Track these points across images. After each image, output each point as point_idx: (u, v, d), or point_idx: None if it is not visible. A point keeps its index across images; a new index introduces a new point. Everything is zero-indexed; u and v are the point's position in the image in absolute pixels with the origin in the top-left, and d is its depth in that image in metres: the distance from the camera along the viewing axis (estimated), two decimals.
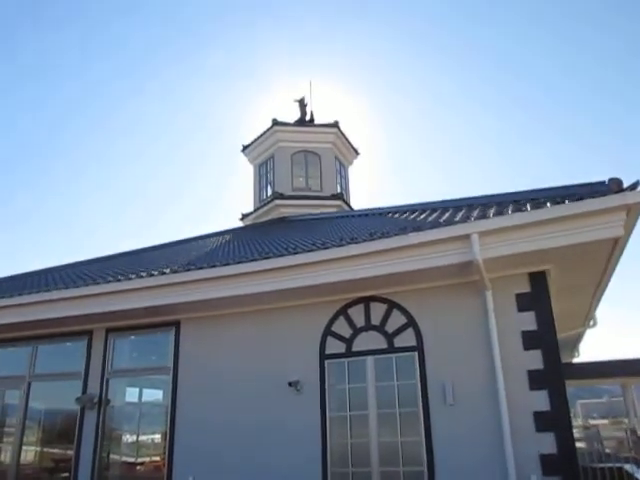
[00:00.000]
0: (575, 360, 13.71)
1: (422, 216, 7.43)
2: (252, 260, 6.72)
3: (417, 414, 6.18)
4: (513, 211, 5.70)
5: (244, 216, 13.94)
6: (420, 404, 6.19)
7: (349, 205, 13.50)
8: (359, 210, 11.55)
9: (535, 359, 5.82)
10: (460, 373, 6.10)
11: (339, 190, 13.55)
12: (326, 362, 6.79)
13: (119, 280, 7.38)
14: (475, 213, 6.28)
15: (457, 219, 6.14)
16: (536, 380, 5.76)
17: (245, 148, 14.55)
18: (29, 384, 8.69)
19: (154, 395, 8.26)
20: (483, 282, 5.93)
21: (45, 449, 8.65)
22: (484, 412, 5.85)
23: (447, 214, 6.87)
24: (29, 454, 8.66)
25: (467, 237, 5.68)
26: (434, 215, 7.13)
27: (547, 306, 5.96)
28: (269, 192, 13.62)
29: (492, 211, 6.09)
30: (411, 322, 6.53)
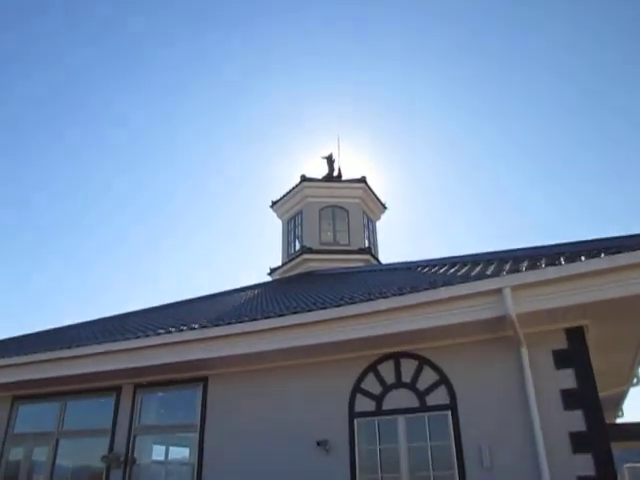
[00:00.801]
0: (619, 420, 13.00)
1: (452, 270, 7.33)
2: (280, 315, 6.68)
3: (453, 478, 5.88)
4: (546, 265, 5.57)
5: (272, 270, 14.00)
6: (455, 467, 5.89)
7: (377, 259, 13.47)
8: (387, 264, 11.48)
9: (577, 420, 5.53)
10: (497, 434, 5.82)
11: (367, 244, 13.57)
12: (356, 421, 6.57)
13: (148, 336, 7.40)
14: (507, 267, 6.17)
15: (488, 273, 6.04)
16: (579, 442, 5.44)
17: (274, 204, 14.78)
18: (57, 441, 8.58)
19: (181, 453, 8.07)
20: (517, 338, 5.75)
21: None
22: (524, 477, 5.53)
23: (478, 268, 6.76)
24: None
25: (499, 292, 5.56)
26: (464, 269, 7.03)
27: (586, 363, 5.71)
28: (297, 246, 13.72)
29: (525, 265, 5.97)
30: (443, 379, 6.32)
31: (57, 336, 10.21)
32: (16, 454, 9.01)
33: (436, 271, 7.87)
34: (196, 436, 7.42)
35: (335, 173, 14.87)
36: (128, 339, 7.51)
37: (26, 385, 8.75)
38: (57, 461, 8.50)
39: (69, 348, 7.93)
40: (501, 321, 5.68)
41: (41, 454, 8.76)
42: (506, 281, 5.56)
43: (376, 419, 6.49)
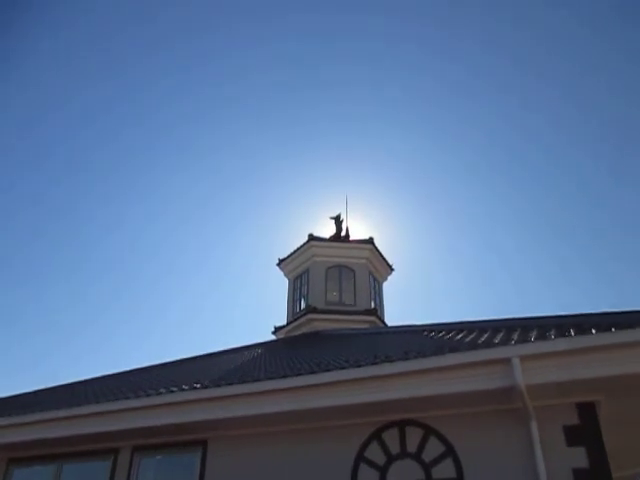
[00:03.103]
0: None
1: (459, 336, 7.23)
2: (283, 377, 6.54)
3: None
4: (556, 335, 5.48)
5: (277, 329, 13.88)
6: None
7: (383, 321, 13.35)
8: (393, 327, 11.38)
9: None
10: None
11: (373, 305, 13.49)
12: None
13: (149, 395, 7.24)
14: (515, 336, 6.07)
15: (497, 341, 5.94)
16: None
17: (281, 262, 14.83)
18: None
19: None
20: (527, 411, 5.57)
21: None
22: None
23: (485, 335, 6.66)
24: None
25: (508, 361, 5.43)
26: (472, 336, 6.93)
27: (598, 441, 5.49)
28: (303, 305, 13.65)
29: (533, 334, 5.88)
30: (450, 451, 6.09)
31: (52, 395, 10.02)
32: None
33: (443, 336, 7.77)
34: None
35: (343, 233, 15.00)
36: (128, 398, 7.35)
37: (21, 447, 8.50)
38: None
39: (68, 408, 7.74)
40: (510, 392, 5.53)
41: None
42: (515, 351, 5.45)
43: None
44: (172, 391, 7.12)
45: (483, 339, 6.33)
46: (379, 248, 14.35)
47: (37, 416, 7.92)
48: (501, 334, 6.50)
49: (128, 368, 12.33)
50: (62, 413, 7.70)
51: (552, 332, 5.74)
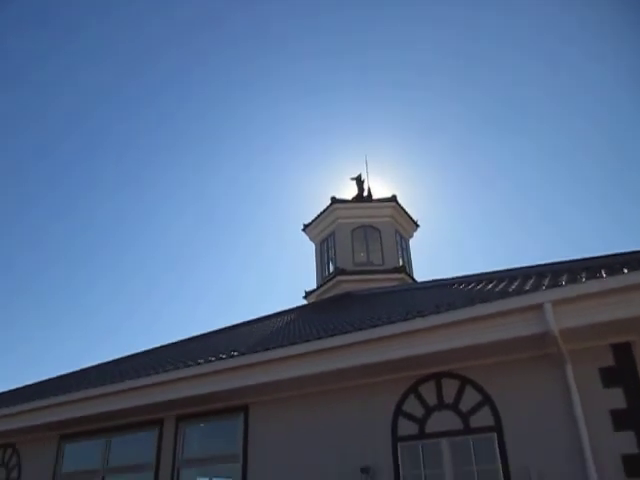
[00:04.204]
0: None
1: (489, 286, 7.21)
2: (318, 338, 6.64)
3: None
4: (587, 278, 5.42)
5: (307, 294, 14.02)
6: None
7: (412, 277, 13.35)
8: (423, 282, 11.37)
9: (629, 442, 5.25)
10: (545, 457, 5.60)
11: (401, 263, 13.47)
12: (399, 445, 6.44)
13: (189, 366, 7.45)
14: (546, 281, 6.03)
15: (527, 288, 5.90)
16: (633, 466, 5.18)
17: (306, 227, 14.87)
18: (103, 478, 8.65)
19: None
20: (561, 355, 5.57)
21: None
22: None
23: (516, 283, 6.63)
24: None
25: (540, 307, 5.41)
26: (502, 285, 6.90)
27: (636, 381, 5.44)
28: (331, 268, 13.72)
29: (564, 278, 5.82)
30: (487, 400, 6.15)
31: (98, 373, 10.39)
32: None
33: (473, 288, 7.75)
34: (239, 466, 7.38)
35: (365, 193, 14.91)
36: (167, 371, 7.58)
37: (71, 424, 8.90)
38: None
39: (112, 383, 8.04)
40: (543, 338, 5.52)
41: None
42: (546, 296, 5.41)
43: (420, 443, 6.34)
44: (210, 360, 7.31)
45: (514, 287, 6.30)
46: (402, 205, 14.26)
47: (85, 393, 8.26)
48: (531, 281, 6.46)
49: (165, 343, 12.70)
50: (109, 388, 8.01)
51: (583, 275, 5.68)
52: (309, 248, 15.04)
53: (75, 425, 8.95)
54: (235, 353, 7.21)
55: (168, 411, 8.18)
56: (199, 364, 7.36)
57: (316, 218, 14.51)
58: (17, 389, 11.87)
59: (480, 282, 8.03)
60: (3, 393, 11.64)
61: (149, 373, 7.79)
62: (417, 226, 14.99)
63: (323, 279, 13.82)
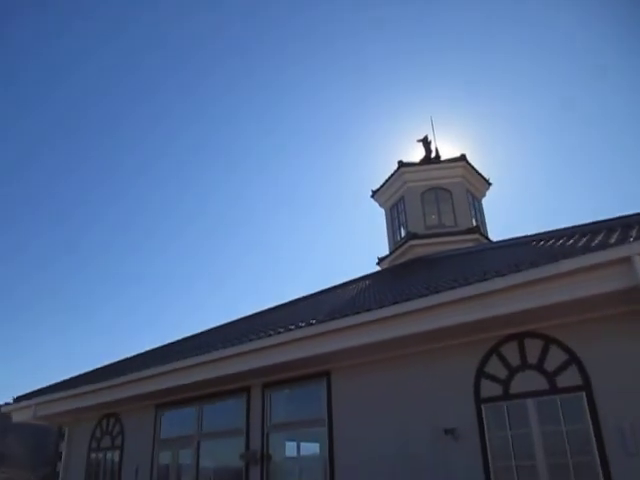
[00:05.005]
0: None
1: (571, 241, 6.89)
2: (394, 303, 6.64)
3: (593, 465, 5.54)
4: None
5: (380, 260, 13.99)
6: (595, 453, 5.54)
7: (487, 238, 12.99)
8: (500, 241, 11.03)
9: None
10: (639, 417, 5.40)
11: (474, 223, 13.13)
12: (483, 406, 6.41)
13: (270, 335, 7.69)
14: (634, 233, 5.68)
15: (613, 241, 5.60)
16: None
17: (374, 193, 14.76)
18: (198, 443, 9.21)
19: (312, 449, 8.32)
20: None
21: None
22: None
23: (600, 237, 6.30)
24: None
25: (627, 260, 5.12)
26: (585, 239, 6.58)
27: None
28: (403, 233, 13.59)
29: None
30: (573, 358, 5.97)
31: (189, 345, 10.93)
32: (164, 458, 9.80)
33: (553, 244, 7.44)
34: (325, 430, 7.61)
35: (433, 155, 14.54)
36: (252, 340, 7.87)
37: (167, 393, 9.48)
38: (200, 462, 9.11)
39: (202, 354, 8.43)
40: (632, 292, 5.24)
41: (186, 456, 9.45)
42: (635, 249, 5.11)
43: (504, 404, 6.27)
44: (291, 329, 7.50)
45: (597, 241, 5.99)
46: (472, 164, 13.81)
47: (179, 364, 8.73)
48: (617, 234, 6.11)
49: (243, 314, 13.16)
50: (200, 359, 8.42)
51: None
52: (379, 214, 14.95)
53: (170, 394, 9.54)
54: (314, 321, 7.36)
55: (254, 379, 8.54)
56: (280, 333, 7.58)
57: (384, 183, 14.35)
58: (117, 362, 12.71)
59: (562, 238, 7.69)
60: (104, 367, 12.51)
61: (234, 343, 8.11)
62: (489, 184, 14.50)
63: (395, 244, 13.72)
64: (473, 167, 13.79)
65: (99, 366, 12.84)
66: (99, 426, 11.32)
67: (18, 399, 11.77)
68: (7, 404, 11.92)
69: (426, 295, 6.35)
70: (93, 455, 11.27)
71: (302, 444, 8.42)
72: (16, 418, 12.04)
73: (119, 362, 12.59)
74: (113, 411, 10.97)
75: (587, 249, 5.56)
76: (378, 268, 14.02)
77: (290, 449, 8.51)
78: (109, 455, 10.84)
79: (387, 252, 13.95)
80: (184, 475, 9.44)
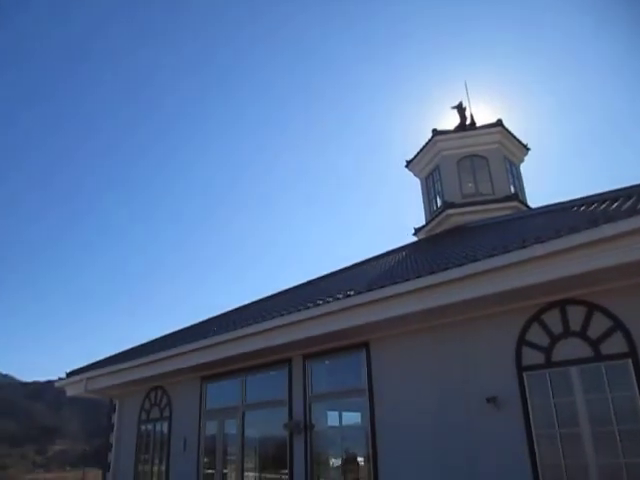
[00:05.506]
0: None
1: (614, 205, 6.68)
2: (431, 273, 6.59)
3: (639, 433, 5.46)
4: None
5: (417, 230, 13.87)
6: None
7: (526, 205, 12.68)
8: (539, 208, 10.76)
9: None
10: None
11: (512, 190, 12.83)
12: (524, 374, 6.36)
13: (308, 308, 7.77)
14: None
15: None
16: None
17: (409, 163, 14.56)
18: (243, 413, 9.50)
19: (354, 418, 8.46)
20: None
21: (263, 474, 9.32)
22: None
23: None
24: None
25: None
26: (628, 203, 6.36)
27: None
28: (439, 203, 13.41)
29: None
30: (618, 325, 5.84)
31: (230, 318, 11.17)
32: (210, 428, 10.16)
33: (595, 208, 7.23)
34: (366, 400, 7.70)
35: (468, 122, 14.19)
36: (291, 313, 7.97)
37: (211, 366, 9.76)
38: (245, 431, 9.41)
39: (244, 327, 8.60)
40: None
41: (231, 426, 9.77)
42: None
43: (547, 372, 6.21)
44: (328, 301, 7.56)
45: None
46: (509, 129, 13.43)
47: (222, 337, 8.96)
48: None
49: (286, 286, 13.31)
50: (242, 332, 8.61)
51: None
52: (415, 184, 14.76)
53: (214, 367, 9.82)
54: (352, 292, 7.39)
55: (295, 350, 8.69)
56: (319, 305, 7.65)
57: (418, 153, 14.13)
58: (162, 337, 13.11)
59: (603, 202, 7.46)
60: (150, 342, 12.93)
61: (275, 316, 8.24)
62: (527, 150, 14.09)
63: (431, 214, 13.56)
64: (510, 132, 13.41)
65: (145, 341, 13.29)
66: (147, 398, 11.77)
67: (70, 374, 12.32)
68: (60, 379, 12.49)
69: (464, 264, 6.28)
70: (143, 426, 11.75)
71: (343, 414, 8.57)
72: (69, 392, 12.65)
73: (164, 337, 12.99)
74: (160, 384, 11.37)
75: (631, 212, 5.38)
76: (415, 238, 13.91)
77: (332, 419, 8.69)
78: (158, 426, 11.30)
79: (423, 222, 13.82)
80: (230, 444, 9.76)
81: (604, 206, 7.00)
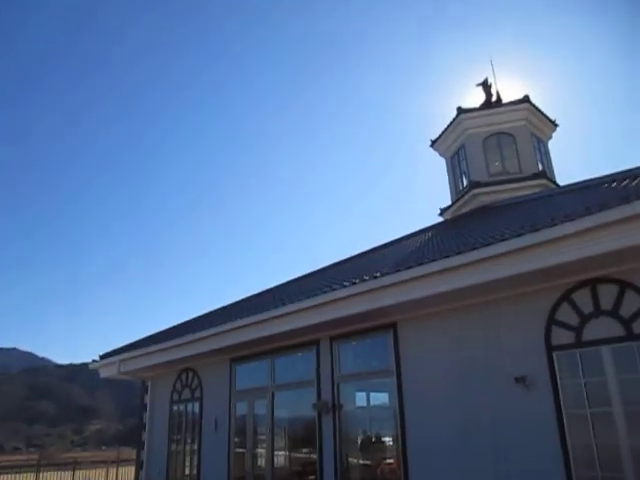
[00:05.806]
0: None
1: None
2: (458, 253, 6.53)
3: None
4: None
5: (443, 210, 13.74)
6: None
7: (554, 182, 12.44)
8: (568, 185, 10.55)
9: None
10: None
11: (540, 168, 12.58)
12: (554, 354, 6.30)
13: (334, 289, 7.80)
14: None
15: None
16: None
17: (434, 142, 14.39)
18: (272, 394, 9.66)
19: (381, 398, 8.53)
20: None
21: (292, 454, 9.53)
22: None
23: None
24: (279, 459, 9.59)
25: None
26: None
27: None
28: (465, 182, 13.24)
29: None
30: None
31: (258, 301, 11.29)
32: (241, 409, 10.36)
33: (627, 184, 7.05)
34: (394, 380, 7.74)
35: (494, 99, 13.91)
36: (317, 295, 8.02)
37: (240, 347, 9.90)
38: (275, 412, 9.57)
39: (272, 309, 8.67)
40: None
41: (260, 407, 9.94)
42: None
43: (577, 351, 6.14)
44: (355, 283, 7.56)
45: None
46: (537, 105, 13.13)
47: (251, 319, 9.06)
48: None
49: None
50: (270, 314, 8.69)
51: None
52: (440, 164, 14.60)
53: (244, 348, 9.97)
54: (378, 274, 7.38)
55: (323, 332, 8.76)
56: (344, 287, 7.67)
57: (443, 132, 13.93)
58: (192, 319, 13.34)
59: (635, 178, 7.27)
60: (181, 324, 13.17)
61: (302, 298, 8.29)
62: (555, 126, 13.77)
63: (457, 194, 13.40)
64: (537, 108, 13.12)
65: (176, 324, 13.54)
66: (179, 380, 12.03)
67: (104, 356, 12.66)
68: (94, 361, 12.84)
69: (492, 244, 6.21)
70: (175, 407, 12.03)
71: (371, 394, 8.64)
72: (103, 374, 13.00)
73: (194, 319, 13.22)
74: (190, 365, 11.60)
75: None
76: (441, 219, 13.79)
77: (360, 399, 8.76)
78: (190, 406, 11.56)
79: (449, 202, 13.67)
80: (260, 425, 9.95)
81: (636, 182, 6.83)
